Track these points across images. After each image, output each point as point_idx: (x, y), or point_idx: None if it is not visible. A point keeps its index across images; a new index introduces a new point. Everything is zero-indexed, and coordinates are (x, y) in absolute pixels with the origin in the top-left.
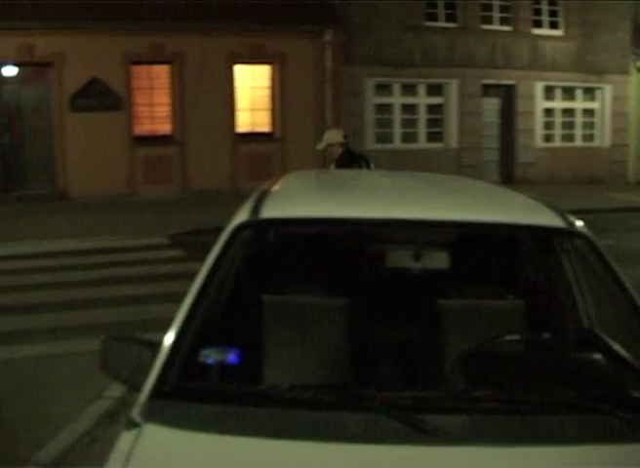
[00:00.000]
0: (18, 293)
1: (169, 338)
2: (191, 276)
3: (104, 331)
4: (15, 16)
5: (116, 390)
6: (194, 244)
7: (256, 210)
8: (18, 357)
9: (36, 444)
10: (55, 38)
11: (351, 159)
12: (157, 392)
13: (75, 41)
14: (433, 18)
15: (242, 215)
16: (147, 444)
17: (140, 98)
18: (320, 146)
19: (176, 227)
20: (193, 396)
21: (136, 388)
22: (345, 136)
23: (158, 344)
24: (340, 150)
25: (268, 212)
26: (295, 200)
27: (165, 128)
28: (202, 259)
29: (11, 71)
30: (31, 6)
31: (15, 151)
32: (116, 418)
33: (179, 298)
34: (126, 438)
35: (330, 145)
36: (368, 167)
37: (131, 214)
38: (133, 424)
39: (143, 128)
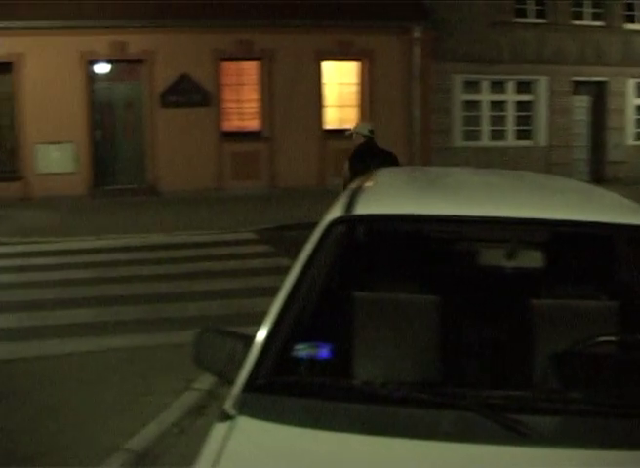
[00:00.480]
0: (109, 285)
1: (262, 332)
2: (278, 271)
3: (193, 324)
4: (107, 14)
5: (205, 383)
6: (281, 239)
7: (350, 206)
8: (109, 348)
9: (127, 432)
10: (146, 36)
11: (370, 153)
12: (250, 385)
13: (166, 38)
14: (523, 14)
15: (336, 211)
16: (240, 436)
17: (228, 95)
18: (348, 133)
19: (263, 223)
20: (285, 390)
21: (228, 381)
22: (372, 131)
23: (251, 338)
24: (361, 141)
25: (362, 208)
26: (388, 197)
27: (253, 124)
28: (289, 255)
29: (103, 68)
30: (123, 5)
31: (106, 147)
32: (204, 411)
33: (265, 293)
34: (219, 430)
35: (356, 134)
36: (390, 163)
37: (219, 209)
38: (226, 416)
39: (232, 124)
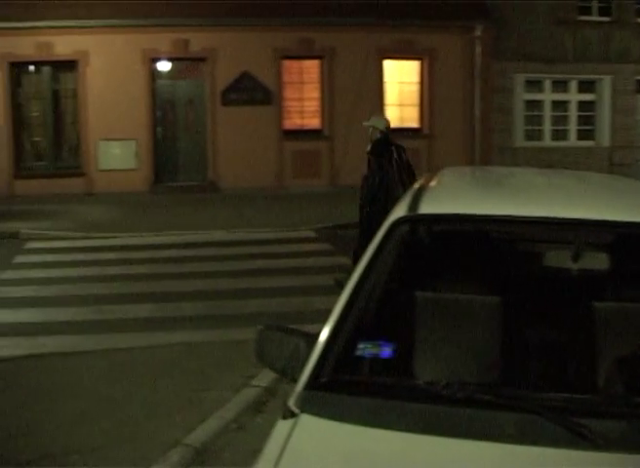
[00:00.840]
0: (169, 281)
1: (325, 331)
2: (337, 269)
3: (252, 321)
4: (170, 13)
5: (264, 379)
6: (341, 238)
7: (413, 205)
8: (169, 343)
9: (187, 427)
10: (208, 34)
11: (387, 147)
12: (313, 383)
13: (228, 36)
14: (587, 11)
15: (400, 211)
16: (302, 433)
17: (289, 93)
18: (365, 123)
19: (323, 221)
20: (348, 388)
21: (291, 378)
22: (387, 128)
23: (313, 336)
24: (377, 136)
25: (426, 207)
26: (452, 196)
27: (314, 122)
28: (348, 253)
29: (165, 66)
30: (186, 3)
31: (167, 144)
32: (263, 407)
33: (324, 291)
34: (282, 426)
35: (373, 128)
36: (400, 157)
37: (279, 207)
38: (290, 414)
39: (293, 122)
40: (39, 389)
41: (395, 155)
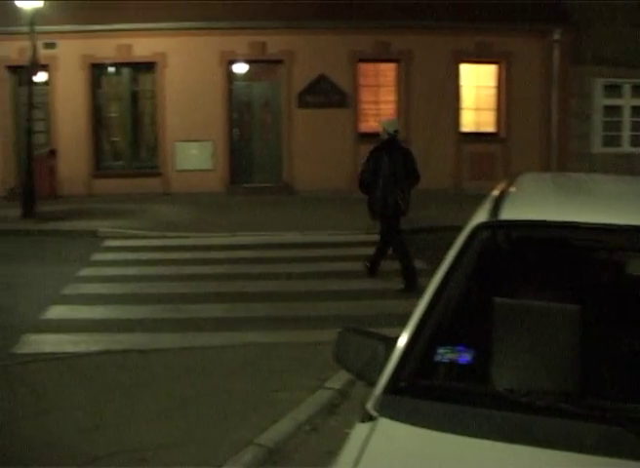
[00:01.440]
0: (244, 282)
1: (404, 335)
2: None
3: (325, 323)
4: (247, 15)
5: (337, 382)
6: (415, 242)
7: (495, 211)
8: (242, 343)
9: (260, 427)
10: (285, 36)
11: (390, 149)
12: (391, 387)
13: (304, 39)
14: None
15: (481, 216)
16: (380, 437)
17: (365, 96)
18: (381, 122)
19: None
20: (426, 393)
21: (369, 382)
22: (396, 131)
23: (391, 339)
24: (385, 138)
25: (508, 213)
26: (534, 203)
27: None
28: (422, 258)
29: (242, 68)
30: (263, 6)
31: (243, 145)
32: (336, 410)
33: (397, 295)
34: (361, 430)
35: (383, 131)
36: (405, 163)
37: (352, 209)
38: (368, 417)
39: (368, 125)
40: (114, 385)
41: (400, 161)
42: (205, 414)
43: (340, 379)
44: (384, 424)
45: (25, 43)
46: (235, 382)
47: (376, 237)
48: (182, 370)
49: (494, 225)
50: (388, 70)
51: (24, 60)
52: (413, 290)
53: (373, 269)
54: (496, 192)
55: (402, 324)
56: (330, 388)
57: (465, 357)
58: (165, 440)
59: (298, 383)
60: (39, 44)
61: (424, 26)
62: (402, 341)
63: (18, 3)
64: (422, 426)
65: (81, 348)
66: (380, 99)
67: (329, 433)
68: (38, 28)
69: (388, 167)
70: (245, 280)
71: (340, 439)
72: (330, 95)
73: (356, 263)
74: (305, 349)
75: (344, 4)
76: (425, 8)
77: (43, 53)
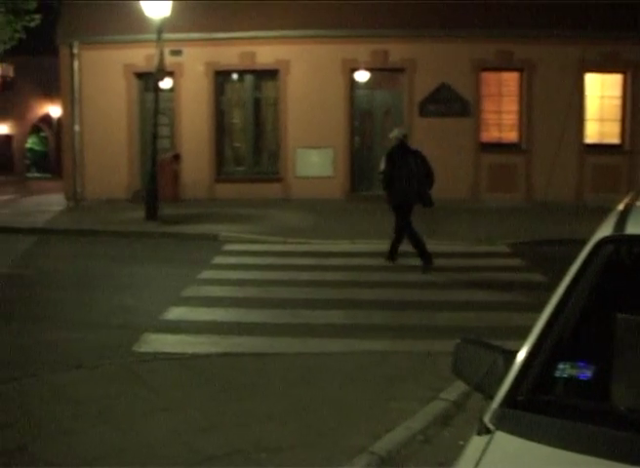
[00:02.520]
0: (360, 289)
1: (524, 349)
2: (530, 286)
3: (442, 333)
4: (370, 24)
5: (452, 393)
6: (536, 254)
7: (619, 225)
8: (359, 350)
9: (373, 434)
10: (407, 45)
11: (401, 152)
12: (509, 401)
13: (426, 47)
14: None
15: (605, 230)
16: (496, 450)
17: (487, 105)
18: (391, 135)
19: (517, 236)
20: (545, 409)
21: (487, 395)
22: (405, 136)
23: (511, 352)
24: (394, 143)
25: (633, 227)
26: None
27: (511, 136)
28: (543, 271)
29: (364, 76)
30: (386, 14)
31: (364, 153)
32: (450, 421)
33: (516, 308)
34: (477, 442)
35: (393, 137)
36: (417, 162)
37: (473, 220)
38: (485, 430)
39: (490, 135)
40: (231, 387)
41: (412, 160)
42: (319, 420)
43: (454, 391)
44: (501, 438)
45: (152, 50)
46: (350, 389)
47: (497, 248)
48: (299, 375)
49: (618, 239)
50: (511, 79)
51: (151, 67)
52: (430, 264)
53: (392, 255)
54: (621, 206)
55: (521, 337)
56: (444, 399)
57: (586, 373)
58: (279, 443)
59: (412, 393)
60: (165, 51)
61: (549, 35)
62: (521, 355)
63: (146, 12)
64: (539, 442)
65: (200, 349)
66: (501, 109)
67: (442, 444)
68: (165, 36)
69: (404, 166)
70: (363, 287)
71: (454, 451)
72: (451, 103)
73: (474, 274)
74: (421, 359)
75: (467, 12)
76: (550, 17)
77: (169, 60)
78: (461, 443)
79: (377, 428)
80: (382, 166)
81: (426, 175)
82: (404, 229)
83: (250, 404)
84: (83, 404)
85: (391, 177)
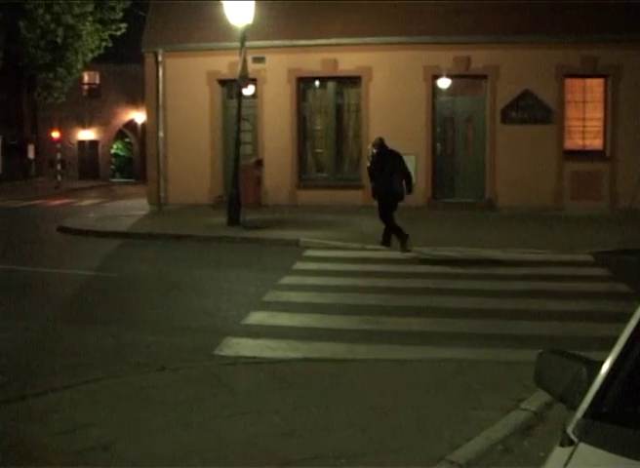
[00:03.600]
0: (440, 297)
1: (609, 359)
2: (614, 296)
3: (524, 343)
4: (453, 30)
5: (533, 403)
6: (620, 264)
7: None
8: (440, 358)
9: (452, 443)
10: (489, 51)
11: (382, 156)
12: (594, 412)
13: (509, 54)
14: None
15: None
16: (579, 462)
17: (571, 112)
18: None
19: (601, 245)
20: (630, 421)
21: (570, 405)
22: (381, 139)
23: (595, 363)
24: (372, 151)
25: None
26: None
27: (595, 143)
28: (627, 281)
29: (446, 83)
30: (468, 21)
31: (446, 160)
32: (531, 432)
33: (600, 318)
34: (559, 454)
35: (372, 145)
36: (396, 161)
37: (556, 228)
38: (568, 441)
39: (574, 142)
40: (311, 392)
41: (392, 159)
42: (399, 427)
43: (535, 401)
44: (584, 449)
45: (235, 58)
46: (430, 397)
47: (580, 257)
48: (378, 382)
49: None
50: (595, 86)
51: (234, 74)
52: (406, 243)
53: (386, 241)
54: None
55: (605, 347)
56: (525, 409)
57: None
58: (359, 449)
59: (492, 402)
60: (248, 58)
61: (634, 40)
62: (607, 365)
63: (230, 20)
64: (624, 454)
65: (280, 354)
66: (586, 116)
67: (522, 455)
68: (248, 43)
69: (386, 165)
70: (444, 295)
71: (534, 462)
72: (534, 110)
73: (557, 283)
74: (502, 368)
75: (551, 18)
76: (636, 22)
77: (252, 67)
78: (542, 454)
79: (456, 437)
80: (368, 164)
81: (402, 171)
82: (386, 215)
83: (329, 409)
84: (165, 405)
85: (374, 173)
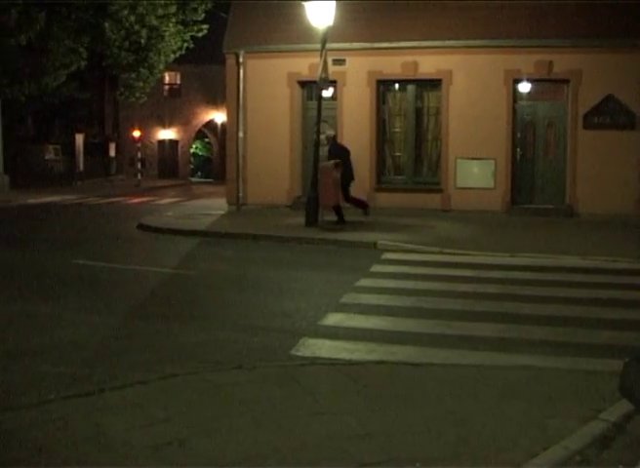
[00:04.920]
0: (517, 303)
1: None
2: None
3: (603, 352)
4: (535, 34)
5: (613, 414)
6: None
7: None
8: (515, 365)
9: (529, 452)
10: (572, 55)
11: (335, 149)
12: None
13: (592, 58)
14: None
15: None
16: None
17: None
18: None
19: None
20: None
21: None
22: (335, 136)
23: None
24: (327, 144)
25: None
26: None
27: None
28: None
29: (526, 87)
30: (552, 25)
31: (525, 165)
32: (610, 443)
33: None
34: None
35: (324, 139)
36: (345, 156)
37: (635, 235)
38: None
39: None
40: (386, 395)
41: (343, 152)
42: (474, 433)
43: (615, 411)
44: None
45: (316, 59)
46: (506, 404)
47: None
48: (454, 387)
49: None
50: None
51: (314, 76)
52: (343, 222)
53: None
54: None
55: None
56: (604, 420)
57: None
58: (434, 454)
59: (570, 411)
60: (329, 60)
61: None
62: None
63: (311, 21)
64: None
65: (356, 356)
66: None
67: (600, 466)
68: (328, 45)
69: (337, 158)
70: (521, 301)
71: None
72: (618, 116)
73: (638, 292)
74: (581, 377)
75: (636, 21)
76: None
77: (332, 68)
78: (621, 467)
79: (533, 445)
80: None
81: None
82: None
83: (405, 413)
84: (241, 403)
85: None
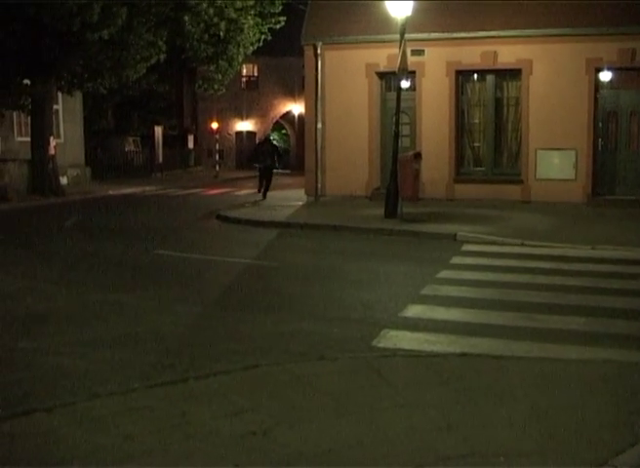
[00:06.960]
0: (602, 296)
1: None
2: None
3: None
4: (616, 22)
5: None
6: None
7: None
8: (600, 359)
9: (615, 448)
10: None
11: (263, 146)
12: None
13: None
14: None
15: None
16: None
17: None
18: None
19: None
20: None
21: None
22: (269, 134)
23: None
24: (263, 138)
25: None
26: None
27: None
28: None
29: (608, 76)
30: (632, 11)
31: (607, 155)
32: None
33: None
34: None
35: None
36: (277, 154)
37: None
38: None
39: None
40: (469, 388)
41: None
42: (559, 427)
43: None
44: None
45: (394, 50)
46: (591, 398)
47: None
48: (537, 380)
49: None
50: None
51: (393, 67)
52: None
53: (264, 195)
54: None
55: None
56: None
57: None
58: (518, 448)
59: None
60: (408, 51)
61: None
62: None
63: (390, 12)
64: None
65: (438, 348)
66: None
67: None
68: (407, 36)
69: (266, 152)
70: (605, 294)
71: None
72: None
73: None
74: None
75: None
76: None
77: (411, 59)
78: None
79: (619, 441)
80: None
81: (278, 155)
82: (269, 181)
83: (488, 406)
84: (323, 394)
85: (257, 155)
